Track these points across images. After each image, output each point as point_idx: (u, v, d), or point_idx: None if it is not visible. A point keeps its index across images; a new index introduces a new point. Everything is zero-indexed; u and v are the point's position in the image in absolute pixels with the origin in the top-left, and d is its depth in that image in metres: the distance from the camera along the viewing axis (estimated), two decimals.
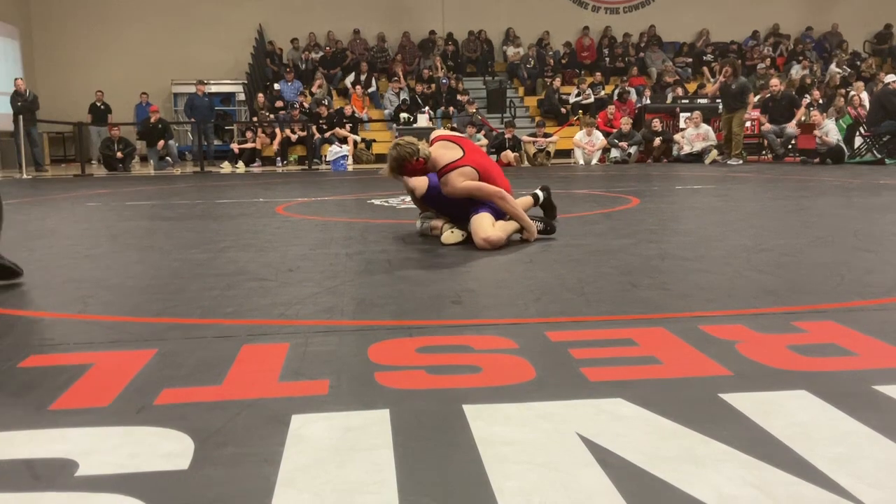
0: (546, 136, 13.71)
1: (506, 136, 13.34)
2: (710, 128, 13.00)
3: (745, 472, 1.27)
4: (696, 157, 12.72)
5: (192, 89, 15.87)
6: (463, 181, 3.76)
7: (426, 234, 4.14)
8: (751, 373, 1.78)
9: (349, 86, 16.53)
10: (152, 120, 13.95)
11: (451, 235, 3.83)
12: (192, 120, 14.98)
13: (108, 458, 1.37)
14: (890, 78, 12.01)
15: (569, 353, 1.95)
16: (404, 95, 16.06)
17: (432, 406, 1.60)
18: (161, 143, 13.87)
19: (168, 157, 14.06)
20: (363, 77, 16.79)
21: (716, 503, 1.17)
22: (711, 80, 16.18)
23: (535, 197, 4.42)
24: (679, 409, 1.55)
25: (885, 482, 1.23)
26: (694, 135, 12.94)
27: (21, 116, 13.12)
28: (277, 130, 14.53)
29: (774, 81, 13.18)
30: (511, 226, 3.86)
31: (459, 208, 3.91)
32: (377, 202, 6.52)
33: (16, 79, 14.07)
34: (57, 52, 17.19)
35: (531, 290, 2.74)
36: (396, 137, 4.10)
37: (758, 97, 13.42)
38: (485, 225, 3.73)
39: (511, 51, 18.42)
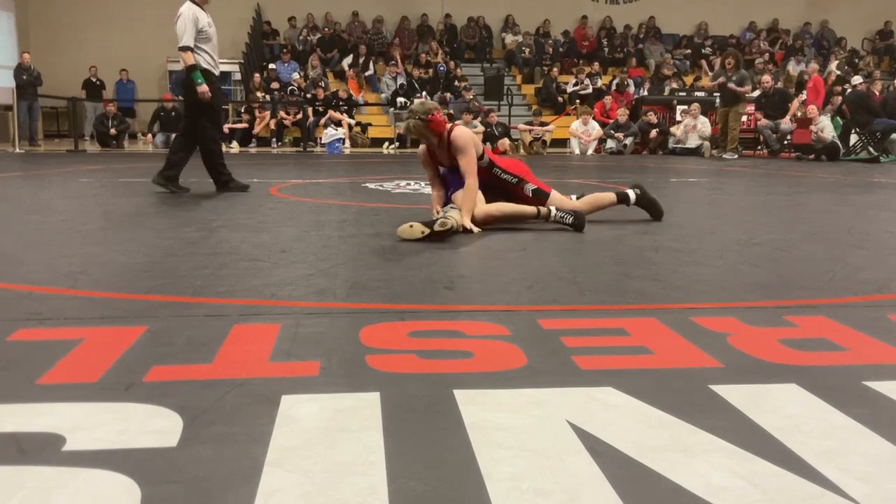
0: (542, 124, 13.67)
1: (490, 121, 13.22)
2: (706, 120, 12.98)
3: (733, 463, 1.27)
4: (692, 151, 12.71)
5: None
6: (469, 135, 3.85)
7: (444, 227, 3.54)
8: (741, 365, 1.79)
9: (346, 68, 16.43)
10: (168, 106, 13.92)
11: (408, 230, 3.50)
12: (179, 98, 14.85)
13: (96, 434, 1.36)
14: (856, 80, 12.27)
15: (561, 340, 1.95)
16: (401, 80, 15.97)
17: (423, 390, 1.59)
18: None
19: None
20: (361, 60, 16.68)
21: (703, 493, 1.17)
22: (710, 73, 16.13)
23: (621, 196, 4.27)
24: (669, 399, 1.55)
25: (873, 477, 1.24)
26: (691, 125, 12.92)
27: (24, 90, 13.09)
28: (267, 114, 14.43)
29: (766, 78, 13.17)
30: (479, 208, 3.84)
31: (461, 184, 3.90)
32: (371, 185, 6.50)
33: (23, 53, 14.03)
34: (52, 27, 17.00)
35: (524, 278, 2.73)
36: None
37: (755, 92, 13.40)
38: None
39: (510, 38, 18.34)
